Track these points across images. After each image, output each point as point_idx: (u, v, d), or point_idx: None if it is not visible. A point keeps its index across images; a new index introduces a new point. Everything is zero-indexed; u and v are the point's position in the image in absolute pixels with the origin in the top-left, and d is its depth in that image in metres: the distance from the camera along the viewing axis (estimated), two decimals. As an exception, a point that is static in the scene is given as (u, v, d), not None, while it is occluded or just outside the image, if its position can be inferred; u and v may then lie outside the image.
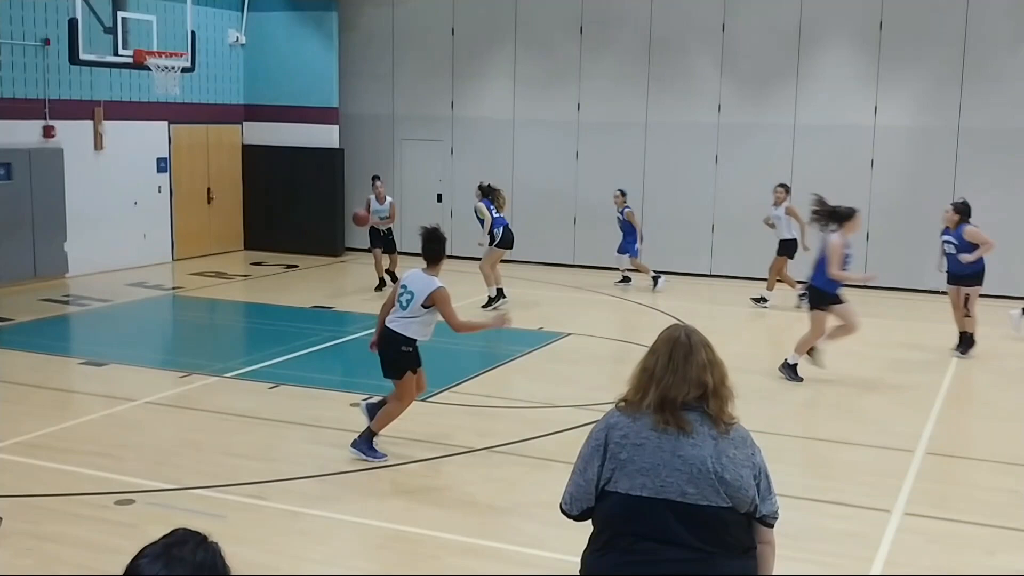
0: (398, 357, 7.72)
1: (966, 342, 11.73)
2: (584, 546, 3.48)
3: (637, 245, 15.79)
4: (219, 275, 16.62)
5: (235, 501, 6.91)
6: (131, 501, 6.85)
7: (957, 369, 11.19)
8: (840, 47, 16.50)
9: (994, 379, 10.87)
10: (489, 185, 14.56)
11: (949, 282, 11.85)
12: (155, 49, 14.65)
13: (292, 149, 18.90)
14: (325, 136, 18.90)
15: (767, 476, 3.39)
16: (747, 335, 13.17)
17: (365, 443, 7.74)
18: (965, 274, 11.60)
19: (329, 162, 18.86)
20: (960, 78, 15.83)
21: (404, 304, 7.65)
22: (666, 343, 3.45)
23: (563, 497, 3.52)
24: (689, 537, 3.24)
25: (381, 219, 15.28)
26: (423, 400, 9.56)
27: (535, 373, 10.83)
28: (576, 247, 18.10)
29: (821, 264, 10.20)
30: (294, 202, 18.98)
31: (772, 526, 3.43)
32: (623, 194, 15.86)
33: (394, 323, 7.68)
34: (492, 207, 14.23)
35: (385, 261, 15.48)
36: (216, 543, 2.13)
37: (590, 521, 3.47)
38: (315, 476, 7.45)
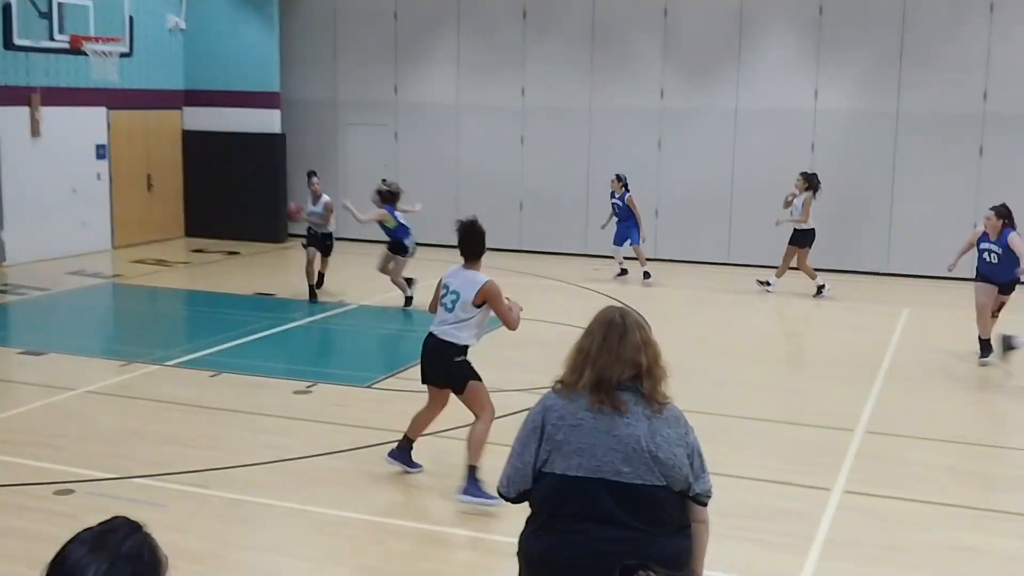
0: (452, 368, 6.78)
1: (987, 346, 10.84)
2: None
3: (641, 232, 15.27)
4: (160, 263, 16.38)
5: (176, 490, 6.83)
6: (71, 491, 6.75)
7: (896, 349, 11.39)
8: (781, 31, 16.66)
9: (932, 359, 11.08)
10: (388, 189, 12.95)
11: (983, 283, 10.78)
12: (92, 34, 14.37)
13: (233, 135, 18.65)
14: (266, 121, 18.67)
15: (700, 455, 3.44)
16: (692, 317, 13.28)
17: (473, 485, 6.52)
18: (1007, 281, 10.67)
19: (271, 148, 18.64)
20: (899, 62, 16.07)
21: (449, 306, 6.72)
22: (601, 324, 3.49)
23: (500, 480, 3.54)
24: (624, 516, 3.27)
25: (315, 220, 13.44)
26: (368, 387, 9.53)
27: (480, 358, 10.76)
28: (522, 232, 18.11)
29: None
30: (235, 188, 18.74)
31: (706, 504, 3.48)
32: (620, 179, 15.35)
33: (440, 329, 6.75)
34: (397, 213, 12.79)
35: (318, 263, 13.58)
36: (149, 534, 2.10)
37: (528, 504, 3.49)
38: (258, 464, 7.38)
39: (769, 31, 16.68)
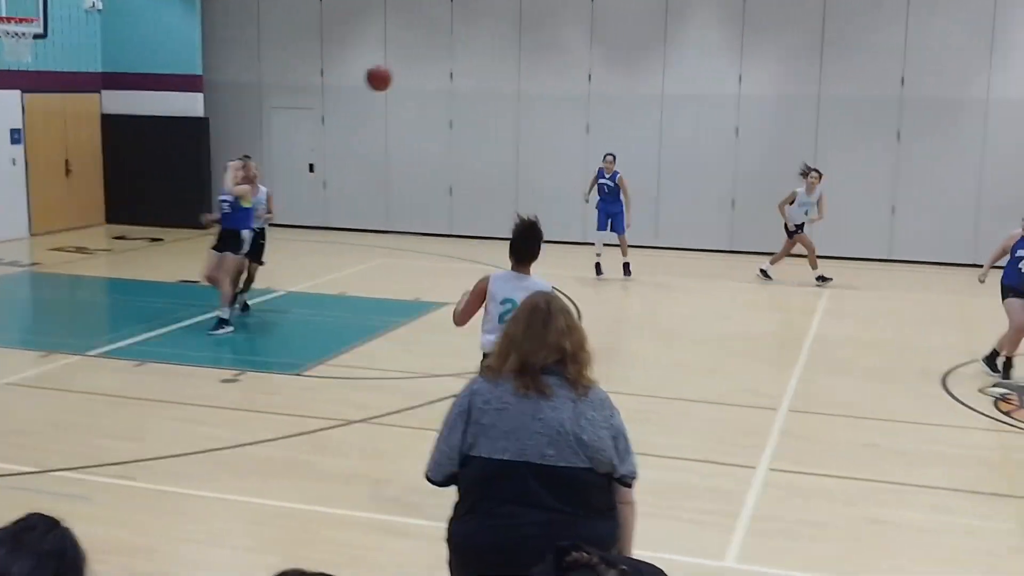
0: None
1: (1009, 365, 9.66)
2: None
3: (628, 217, 14.35)
4: (80, 250, 16.01)
5: (102, 482, 6.71)
6: (-9, 487, 6.60)
7: (818, 329, 11.64)
8: (706, 17, 16.84)
9: (853, 339, 11.35)
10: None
11: (1017, 299, 9.43)
12: (3, 14, 13.93)
13: (154, 119, 18.26)
14: (189, 105, 18.32)
15: (625, 437, 3.50)
16: (621, 301, 13.41)
17: None
18: None
19: (194, 132, 18.30)
20: (820, 48, 16.37)
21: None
22: (526, 310, 3.55)
23: (428, 464, 3.57)
24: (550, 499, 3.32)
25: (259, 212, 11.48)
26: (297, 374, 9.45)
27: (412, 344, 10.81)
28: (453, 217, 18.08)
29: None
30: (157, 173, 18.36)
31: (631, 486, 3.54)
32: (615, 159, 14.46)
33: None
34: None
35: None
36: (68, 529, 2.06)
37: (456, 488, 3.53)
38: (186, 455, 7.28)
39: (694, 17, 16.85)
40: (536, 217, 6.10)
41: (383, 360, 10.04)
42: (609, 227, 14.47)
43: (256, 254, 11.56)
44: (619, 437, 3.47)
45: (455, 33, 17.77)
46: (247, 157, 11.90)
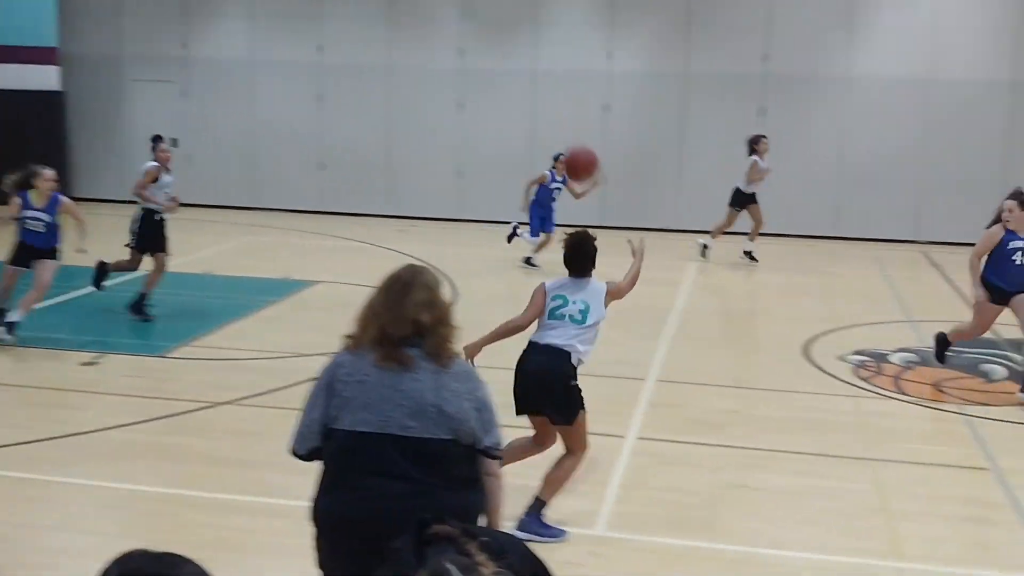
0: (569, 393, 5.59)
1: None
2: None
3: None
4: (-74, 230, 15.15)
5: (-49, 472, 6.39)
6: None
7: (686, 302, 11.91)
8: (575, -6, 16.96)
9: (719, 310, 11.65)
10: (25, 175, 9.29)
11: (1000, 301, 8.23)
12: None
13: (5, 92, 17.38)
14: (43, 78, 17.49)
15: (490, 409, 3.49)
16: (491, 276, 13.42)
17: (535, 521, 5.62)
18: None
19: (48, 106, 17.51)
20: (687, 24, 16.67)
21: (579, 317, 5.60)
22: (387, 281, 3.52)
23: (293, 438, 3.52)
24: (413, 470, 3.30)
25: (160, 201, 10.26)
26: (160, 356, 9.16)
27: (282, 323, 10.62)
28: (323, 193, 17.80)
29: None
30: (10, 150, 17.41)
31: (496, 458, 3.53)
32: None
33: (562, 340, 5.56)
34: (29, 198, 9.27)
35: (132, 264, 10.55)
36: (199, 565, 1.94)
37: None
38: (43, 440, 6.99)
39: (564, -8, 16.94)
40: (587, 233, 5.76)
41: (250, 340, 9.83)
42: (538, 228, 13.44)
43: (162, 245, 10.43)
44: (483, 409, 3.46)
45: (324, 4, 17.44)
46: (159, 138, 10.90)
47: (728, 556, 5.54)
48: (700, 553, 5.57)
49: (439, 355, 3.42)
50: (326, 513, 3.39)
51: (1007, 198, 8.23)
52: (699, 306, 11.73)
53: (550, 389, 5.55)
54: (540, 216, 13.48)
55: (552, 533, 5.60)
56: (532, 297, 5.76)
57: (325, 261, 13.81)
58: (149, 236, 10.32)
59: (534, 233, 13.43)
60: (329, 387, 3.42)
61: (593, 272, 5.73)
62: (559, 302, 5.66)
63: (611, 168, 16.97)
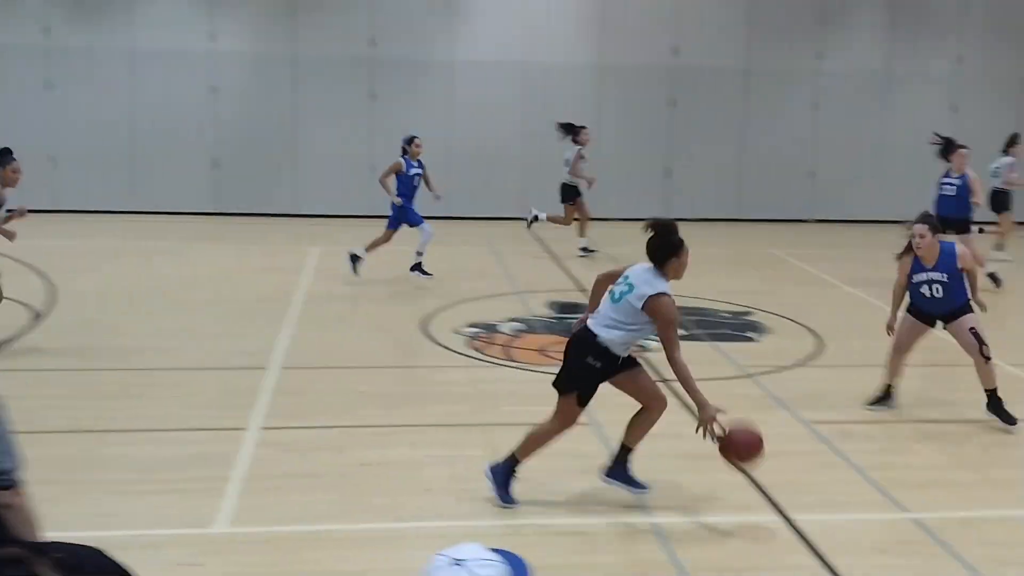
0: (580, 368, 5.76)
1: (889, 394, 7.82)
2: None
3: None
4: None
5: None
6: None
7: (309, 287, 11.87)
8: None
9: (343, 294, 11.71)
10: None
11: (920, 319, 7.58)
12: None
13: None
14: None
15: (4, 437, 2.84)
16: (96, 270, 12.61)
17: (503, 475, 5.92)
18: (950, 310, 7.40)
19: None
20: (295, 5, 16.51)
21: (616, 296, 5.68)
22: None
23: None
24: None
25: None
26: None
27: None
28: (220, 194, 15.77)
29: None
30: None
31: (11, 488, 2.73)
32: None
33: (593, 320, 5.77)
34: None
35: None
36: None
37: None
38: None
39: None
40: (659, 221, 5.72)
41: None
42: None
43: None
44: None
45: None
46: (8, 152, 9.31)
47: (357, 535, 5.61)
48: (332, 535, 5.59)
49: None
50: None
51: (915, 222, 7.35)
52: (322, 290, 11.74)
53: (566, 360, 5.90)
54: (401, 208, 11.87)
55: (510, 500, 5.91)
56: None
57: (224, 266, 12.24)
58: None
59: (391, 226, 11.97)
60: None
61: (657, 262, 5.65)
62: (620, 280, 5.78)
63: (220, 152, 16.57)
